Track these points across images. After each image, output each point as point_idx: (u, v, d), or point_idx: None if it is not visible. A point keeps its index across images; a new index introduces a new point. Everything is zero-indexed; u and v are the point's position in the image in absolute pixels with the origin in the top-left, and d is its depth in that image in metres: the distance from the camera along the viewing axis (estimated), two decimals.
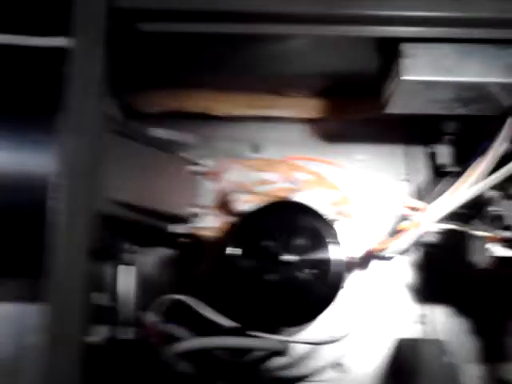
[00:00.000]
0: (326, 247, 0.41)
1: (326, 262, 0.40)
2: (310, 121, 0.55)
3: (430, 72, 0.42)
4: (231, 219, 0.51)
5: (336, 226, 0.42)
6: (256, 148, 0.55)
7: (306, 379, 0.50)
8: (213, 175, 0.52)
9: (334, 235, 0.41)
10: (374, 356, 0.51)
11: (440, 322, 0.52)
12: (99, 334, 0.44)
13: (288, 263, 0.40)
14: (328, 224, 0.41)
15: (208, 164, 0.52)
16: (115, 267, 0.52)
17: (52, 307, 0.35)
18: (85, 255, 0.35)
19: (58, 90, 0.36)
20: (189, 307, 0.44)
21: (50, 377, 0.34)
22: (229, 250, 0.40)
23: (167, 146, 0.52)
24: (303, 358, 0.49)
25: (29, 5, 0.46)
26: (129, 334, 0.50)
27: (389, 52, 0.44)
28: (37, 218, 0.39)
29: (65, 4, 0.39)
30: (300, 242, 0.41)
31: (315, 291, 0.40)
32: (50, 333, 0.34)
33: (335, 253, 0.41)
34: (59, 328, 0.34)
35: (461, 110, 0.46)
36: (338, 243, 0.41)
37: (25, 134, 0.40)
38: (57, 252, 0.35)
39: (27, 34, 0.44)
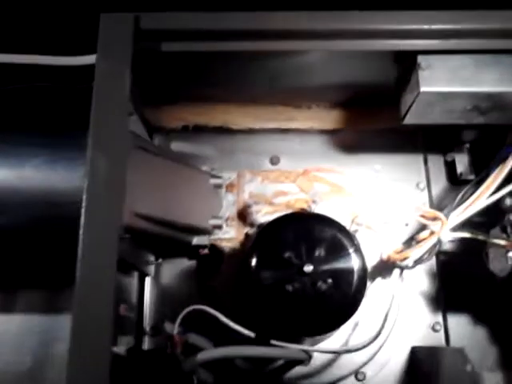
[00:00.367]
0: (347, 257, 0.41)
1: (347, 272, 0.41)
2: (328, 132, 0.56)
3: (447, 83, 0.43)
4: (252, 230, 0.52)
5: (356, 236, 0.43)
6: (275, 160, 0.56)
7: None
8: (233, 187, 0.53)
9: (355, 245, 0.42)
10: (393, 364, 0.51)
11: (459, 330, 0.52)
12: (123, 343, 0.45)
13: (310, 274, 0.40)
14: (348, 234, 0.42)
15: (228, 176, 0.53)
16: (138, 279, 0.53)
17: (80, 318, 0.36)
18: (112, 268, 0.36)
19: (88, 107, 0.38)
20: (210, 317, 0.45)
21: None
22: (251, 261, 0.41)
23: (189, 160, 0.53)
24: (324, 367, 0.50)
25: (58, 26, 0.47)
26: (151, 343, 0.52)
27: (407, 64, 0.45)
28: (66, 232, 0.41)
29: (91, 24, 0.40)
30: (321, 252, 0.41)
31: (337, 301, 0.41)
32: (78, 343, 0.35)
33: (356, 262, 0.41)
34: (87, 338, 0.35)
35: (478, 120, 0.47)
36: (358, 253, 0.41)
37: (57, 151, 0.41)
38: (85, 264, 0.36)
39: (57, 54, 0.45)
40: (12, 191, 0.41)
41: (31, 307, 0.53)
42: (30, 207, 0.41)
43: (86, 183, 0.37)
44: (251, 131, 0.56)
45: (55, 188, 0.41)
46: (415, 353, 0.51)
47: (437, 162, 0.56)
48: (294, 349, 0.42)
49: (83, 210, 0.36)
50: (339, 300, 0.41)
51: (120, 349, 0.41)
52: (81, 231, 0.36)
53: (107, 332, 0.35)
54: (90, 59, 0.45)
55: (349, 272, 0.41)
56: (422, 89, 0.43)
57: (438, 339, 0.52)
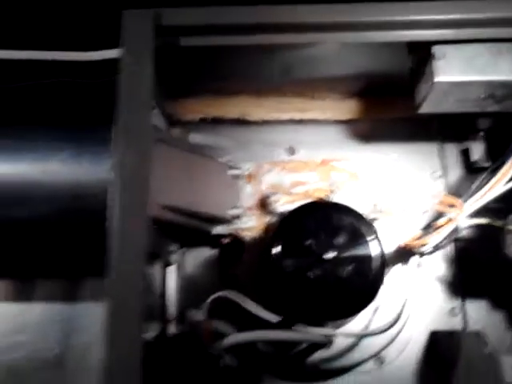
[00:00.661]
0: (367, 244, 0.42)
1: (366, 259, 0.42)
2: (343, 122, 0.57)
3: (462, 72, 0.44)
4: (271, 220, 0.53)
5: (375, 223, 0.44)
6: (292, 151, 0.57)
7: (347, 371, 0.51)
8: (251, 178, 0.54)
9: (374, 232, 0.43)
10: (412, 348, 0.52)
11: (477, 315, 0.53)
12: (150, 330, 0.47)
13: (330, 261, 0.41)
14: (367, 222, 0.43)
15: (247, 167, 0.55)
16: (161, 267, 0.55)
17: (113, 306, 0.37)
18: (141, 257, 0.38)
19: (113, 101, 0.39)
20: (232, 304, 0.47)
21: (111, 373, 0.36)
22: (273, 249, 0.42)
23: (207, 152, 0.54)
24: (344, 351, 0.51)
25: (80, 22, 0.49)
26: (175, 330, 0.53)
27: (421, 54, 0.45)
28: (90, 224, 0.43)
29: (113, 19, 0.42)
30: (341, 240, 0.42)
31: (357, 287, 0.42)
32: (110, 330, 0.37)
33: (375, 249, 0.42)
34: (119, 325, 0.37)
35: (493, 108, 0.47)
36: (377, 240, 0.43)
37: (81, 145, 0.42)
38: (116, 254, 0.37)
39: (80, 49, 0.47)
40: (37, 185, 0.43)
41: (51, 296, 0.55)
42: (55, 200, 0.43)
43: (113, 176, 0.38)
44: (267, 123, 0.57)
45: (80, 181, 0.43)
46: (434, 337, 0.52)
47: (452, 150, 0.57)
48: (316, 332, 0.43)
49: (112, 203, 0.37)
50: (359, 286, 0.42)
51: (148, 335, 0.43)
52: (110, 223, 0.37)
53: (138, 320, 0.37)
54: (110, 53, 0.46)
55: (368, 259, 0.42)
56: (437, 79, 0.44)
57: (456, 324, 0.53)
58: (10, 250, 0.50)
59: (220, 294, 0.45)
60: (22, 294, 0.55)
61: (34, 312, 0.55)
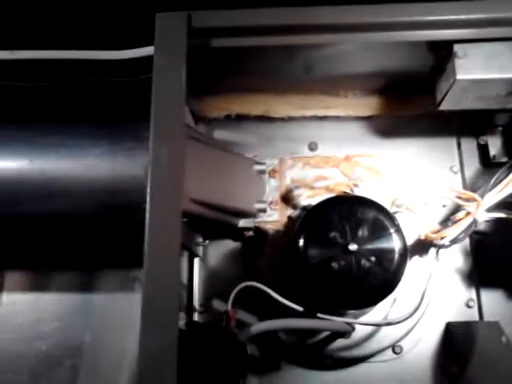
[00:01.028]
0: (389, 237, 0.44)
1: (388, 251, 0.44)
2: (365, 119, 0.58)
3: (483, 70, 0.45)
4: (294, 213, 0.54)
5: (396, 217, 0.46)
6: (314, 146, 0.59)
7: (366, 360, 0.53)
8: (275, 173, 0.56)
9: (396, 226, 0.44)
10: (429, 339, 0.54)
11: (492, 307, 0.54)
12: (181, 319, 0.49)
13: (354, 252, 0.43)
14: (390, 215, 0.45)
15: (271, 163, 0.56)
16: (188, 259, 0.57)
17: (149, 296, 0.39)
18: (176, 248, 0.40)
19: (147, 99, 0.41)
20: (256, 295, 0.48)
21: (147, 360, 0.38)
22: (299, 241, 0.44)
23: (232, 148, 0.56)
24: (363, 341, 0.53)
25: (114, 23, 0.51)
26: (201, 320, 0.55)
27: (443, 53, 0.47)
28: (129, 218, 0.45)
29: (146, 18, 0.43)
30: (364, 232, 0.44)
31: (379, 278, 0.43)
32: (148, 320, 0.39)
33: (397, 242, 0.44)
34: (156, 315, 0.39)
35: None
36: (399, 233, 0.44)
37: (117, 141, 0.44)
38: (152, 246, 0.39)
39: (110, 48, 0.48)
40: (77, 179, 0.45)
41: (74, 287, 0.57)
42: (93, 194, 0.45)
43: (149, 172, 0.40)
44: (290, 119, 0.58)
45: (116, 176, 0.45)
46: (450, 328, 0.54)
47: (470, 146, 0.58)
48: (339, 321, 0.45)
49: (148, 198, 0.39)
50: (381, 277, 0.43)
51: (180, 323, 0.45)
52: (147, 216, 0.39)
53: (174, 308, 0.39)
54: (143, 52, 0.48)
55: (390, 251, 0.44)
56: (459, 76, 0.45)
57: (472, 315, 0.54)
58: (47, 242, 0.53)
59: (246, 283, 0.47)
60: (44, 284, 0.57)
61: (58, 302, 0.57)
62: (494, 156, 0.56)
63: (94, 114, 0.49)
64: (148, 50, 0.47)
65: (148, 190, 0.39)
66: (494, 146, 0.57)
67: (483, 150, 0.57)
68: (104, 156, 0.44)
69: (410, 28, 0.45)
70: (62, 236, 0.53)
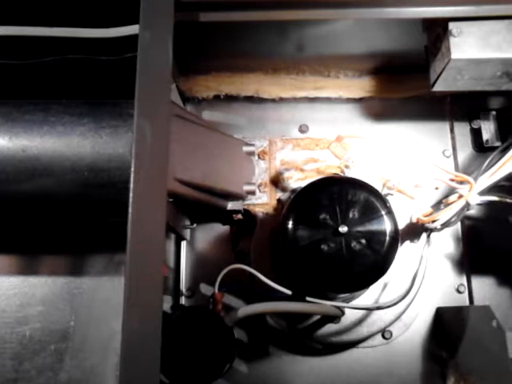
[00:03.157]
0: (380, 219, 0.43)
1: (379, 234, 0.43)
2: (356, 100, 0.57)
3: (479, 50, 0.44)
4: (284, 196, 0.53)
5: (388, 199, 0.45)
6: (304, 128, 0.57)
7: (355, 345, 0.53)
8: (265, 155, 0.55)
9: (387, 208, 0.43)
10: (419, 324, 0.53)
11: (483, 292, 0.54)
12: (166, 302, 0.48)
13: (344, 234, 0.42)
14: (381, 197, 0.44)
15: (261, 144, 0.55)
16: (174, 242, 0.56)
17: (132, 278, 0.37)
18: (161, 229, 0.38)
19: (132, 77, 0.39)
20: (244, 278, 0.47)
21: (131, 344, 0.36)
22: (288, 222, 0.43)
23: (221, 129, 0.55)
24: (352, 326, 0.52)
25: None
26: (187, 304, 0.54)
27: (437, 31, 0.45)
28: (114, 199, 0.43)
29: None
30: (355, 214, 0.43)
31: (370, 260, 0.42)
32: (131, 302, 0.37)
33: (389, 224, 0.43)
34: (140, 297, 0.37)
35: (508, 86, 0.47)
36: (391, 216, 0.43)
37: (101, 119, 0.43)
38: (136, 227, 0.38)
39: (101, 26, 0.47)
40: (60, 157, 0.43)
41: (59, 271, 0.56)
42: (76, 172, 0.43)
43: (133, 149, 0.38)
44: (281, 100, 0.57)
45: (100, 154, 0.43)
46: (440, 313, 0.53)
47: (463, 130, 0.57)
48: (329, 305, 0.44)
49: (132, 175, 0.38)
50: (372, 259, 0.42)
51: (165, 306, 0.44)
52: (130, 195, 0.38)
53: (158, 291, 0.37)
54: (130, 30, 0.46)
55: (381, 233, 0.43)
56: (454, 56, 0.44)
57: (462, 300, 0.54)
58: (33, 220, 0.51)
59: (234, 266, 0.46)
60: (29, 268, 0.56)
61: (43, 286, 0.56)
62: (487, 140, 0.56)
63: (79, 92, 0.47)
64: (135, 28, 0.46)
65: (132, 168, 0.38)
66: (487, 130, 0.56)
67: (476, 134, 0.57)
68: (87, 134, 0.43)
69: (404, 4, 0.44)
70: (45, 218, 0.52)
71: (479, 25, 0.44)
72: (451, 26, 0.44)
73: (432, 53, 0.47)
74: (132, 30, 0.47)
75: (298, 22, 0.46)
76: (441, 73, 0.46)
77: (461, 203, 0.47)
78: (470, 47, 0.44)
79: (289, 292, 0.44)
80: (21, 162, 0.43)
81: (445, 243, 0.55)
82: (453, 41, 0.44)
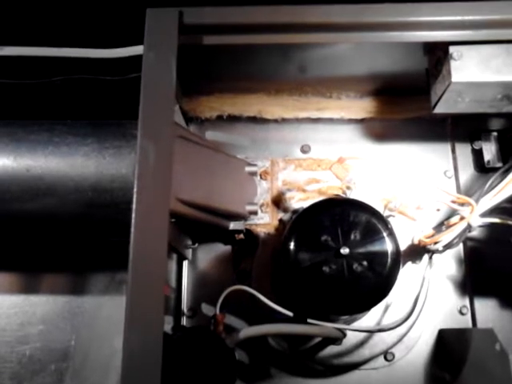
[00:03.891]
0: (382, 241, 0.43)
1: (381, 255, 0.43)
2: (358, 121, 0.58)
3: (479, 73, 0.44)
4: (286, 216, 0.53)
5: (390, 221, 0.45)
6: (306, 148, 0.58)
7: (357, 367, 0.52)
8: (267, 175, 0.55)
9: (389, 229, 0.43)
10: (421, 346, 0.53)
11: (486, 314, 0.53)
12: (166, 323, 0.48)
13: (346, 256, 0.42)
14: (383, 219, 0.44)
15: (263, 164, 0.56)
16: (176, 262, 0.56)
17: (134, 298, 0.38)
18: (163, 249, 0.38)
19: (136, 97, 0.40)
20: (246, 299, 0.47)
21: (131, 364, 0.36)
22: (290, 244, 0.43)
23: (223, 149, 0.55)
24: (354, 348, 0.52)
25: (105, 20, 0.50)
26: (189, 324, 0.54)
27: (438, 55, 0.46)
28: (117, 219, 0.44)
29: (136, 16, 0.43)
30: (357, 236, 0.43)
31: (371, 282, 0.42)
32: (132, 322, 0.37)
33: (390, 246, 0.43)
34: (141, 318, 0.38)
35: (508, 108, 0.48)
36: (392, 237, 0.43)
37: (105, 140, 0.43)
38: (138, 247, 0.38)
39: (106, 46, 0.48)
40: (64, 177, 0.44)
41: (60, 289, 0.56)
42: (79, 192, 0.44)
43: (136, 170, 0.39)
44: (283, 121, 0.58)
45: (103, 174, 0.44)
46: (443, 335, 0.53)
47: (464, 150, 0.58)
48: (330, 327, 0.44)
49: (135, 196, 0.38)
50: (373, 281, 0.42)
51: (166, 327, 0.43)
52: (133, 215, 0.38)
53: (159, 311, 0.38)
54: (134, 50, 0.47)
55: (383, 255, 0.43)
56: (454, 79, 0.44)
57: (465, 322, 0.53)
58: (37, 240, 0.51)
59: (235, 287, 0.46)
60: (30, 286, 0.56)
61: (44, 305, 0.56)
62: (489, 161, 0.56)
63: (83, 112, 0.48)
64: (139, 49, 0.47)
65: (135, 189, 0.38)
66: (489, 151, 0.56)
67: (478, 155, 0.57)
68: (91, 154, 0.43)
69: (406, 29, 0.44)
70: (48, 237, 0.52)
71: (479, 49, 0.45)
72: (452, 49, 0.45)
73: (433, 75, 0.48)
74: (137, 50, 0.48)
75: (301, 45, 0.47)
76: (442, 95, 0.46)
77: (462, 225, 0.47)
78: (471, 70, 0.44)
79: (290, 314, 0.44)
80: (25, 182, 0.44)
81: (447, 265, 0.55)
82: (453, 64, 0.44)
